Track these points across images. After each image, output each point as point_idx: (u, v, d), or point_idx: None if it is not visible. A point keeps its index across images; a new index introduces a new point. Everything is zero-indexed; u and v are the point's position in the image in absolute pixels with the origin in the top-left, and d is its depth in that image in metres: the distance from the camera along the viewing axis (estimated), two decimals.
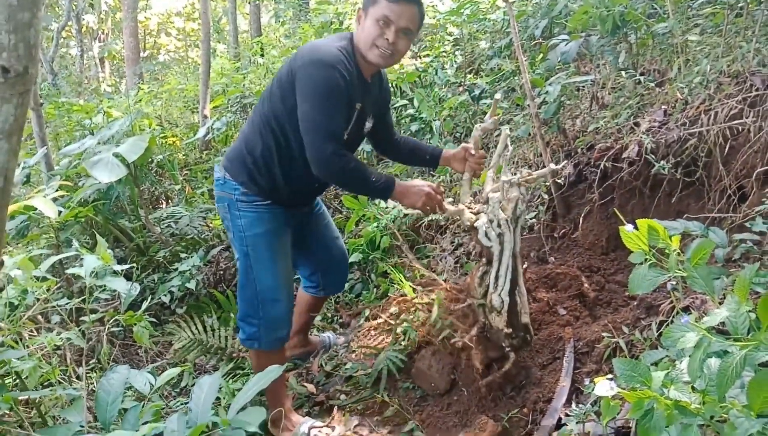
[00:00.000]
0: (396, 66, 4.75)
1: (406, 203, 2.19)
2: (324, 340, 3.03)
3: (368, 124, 2.34)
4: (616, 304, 2.63)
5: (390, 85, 2.59)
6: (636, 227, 1.68)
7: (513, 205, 2.17)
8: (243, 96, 5.32)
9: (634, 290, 1.65)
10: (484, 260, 2.28)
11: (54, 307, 2.41)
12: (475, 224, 2.21)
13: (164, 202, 4.77)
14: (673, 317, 2.13)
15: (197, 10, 17.12)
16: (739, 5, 2.95)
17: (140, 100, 7.02)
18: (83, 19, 15.10)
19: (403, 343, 2.65)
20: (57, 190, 3.16)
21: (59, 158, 4.19)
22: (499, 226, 2.17)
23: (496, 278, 2.22)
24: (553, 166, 2.35)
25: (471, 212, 2.28)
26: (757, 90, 2.41)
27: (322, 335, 3.09)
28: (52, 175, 3.82)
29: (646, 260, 1.65)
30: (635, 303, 2.49)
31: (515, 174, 2.23)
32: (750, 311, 1.25)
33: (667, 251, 1.64)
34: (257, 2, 8.89)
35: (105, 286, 2.26)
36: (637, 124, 2.83)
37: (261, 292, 2.25)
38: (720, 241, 2.07)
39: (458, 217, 2.31)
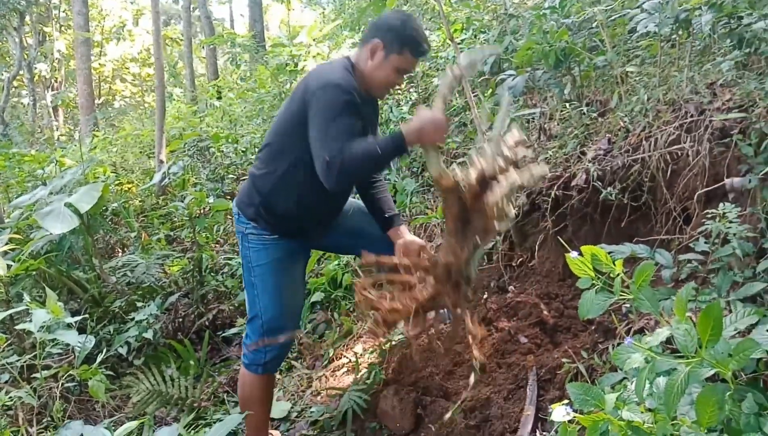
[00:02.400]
0: None
1: (428, 142, 2.02)
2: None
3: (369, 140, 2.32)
4: (575, 329, 2.67)
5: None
6: (581, 254, 1.73)
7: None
8: (200, 139, 5.31)
9: (584, 315, 1.69)
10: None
11: (3, 365, 2.32)
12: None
13: (120, 251, 4.67)
14: (630, 338, 2.18)
15: (153, 55, 17.11)
16: (672, 36, 3.11)
17: (95, 148, 6.92)
18: (35, 68, 14.92)
19: (367, 382, 2.64)
20: (6, 244, 3.08)
21: (10, 211, 4.08)
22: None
23: None
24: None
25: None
26: (691, 116, 2.53)
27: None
28: (2, 227, 3.72)
29: (593, 285, 1.70)
30: (593, 328, 2.54)
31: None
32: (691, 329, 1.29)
33: (611, 274, 1.69)
34: (213, 46, 8.95)
35: (56, 340, 2.19)
36: (583, 153, 2.93)
37: (267, 322, 2.24)
38: (666, 262, 2.14)
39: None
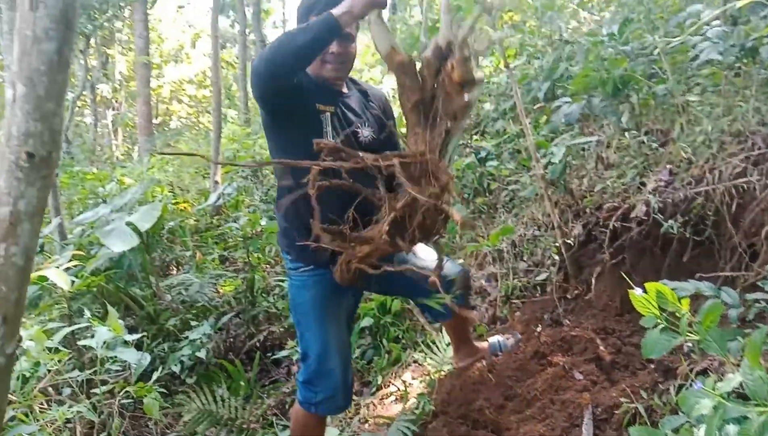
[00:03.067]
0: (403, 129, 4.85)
1: (357, 12, 1.80)
2: (494, 344, 2.87)
3: (365, 133, 2.19)
4: (633, 367, 2.58)
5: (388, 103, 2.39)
6: (645, 291, 1.67)
7: None
8: (254, 161, 5.43)
9: (647, 355, 1.64)
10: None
11: (65, 379, 2.40)
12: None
13: (175, 269, 4.79)
14: (692, 380, 2.09)
15: (209, 78, 17.70)
16: (736, 65, 3.02)
17: (152, 167, 7.17)
18: (98, 89, 15.62)
19: (416, 412, 2.60)
20: (70, 260, 3.20)
21: (72, 227, 4.25)
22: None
23: None
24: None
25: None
26: (759, 149, 2.44)
27: (491, 339, 2.91)
28: (66, 244, 3.87)
29: (657, 324, 1.64)
30: (653, 366, 2.44)
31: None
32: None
33: (678, 313, 1.63)
34: None
35: (116, 357, 2.25)
36: (643, 184, 2.85)
37: (314, 361, 2.21)
38: (732, 301, 2.04)
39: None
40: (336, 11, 1.78)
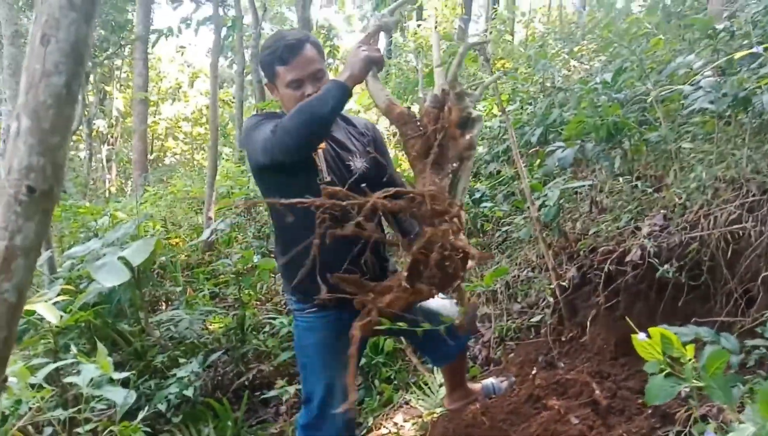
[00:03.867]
0: (399, 170, 4.88)
1: (361, 73, 1.87)
2: (487, 387, 2.80)
3: (358, 164, 2.16)
4: (629, 412, 2.54)
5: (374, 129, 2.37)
6: (648, 336, 1.66)
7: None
8: (248, 198, 5.43)
9: (651, 401, 1.62)
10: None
11: (47, 417, 2.33)
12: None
13: (164, 304, 4.73)
14: (690, 426, 2.06)
15: (205, 116, 17.87)
16: (727, 114, 3.08)
17: (145, 202, 7.15)
18: (94, 124, 15.70)
19: None
20: (59, 295, 3.15)
21: (62, 261, 4.20)
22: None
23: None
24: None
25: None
26: (753, 195, 2.47)
27: (485, 381, 2.84)
28: (55, 278, 3.82)
29: (661, 369, 1.62)
30: (649, 412, 2.41)
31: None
32: None
33: (681, 359, 1.61)
34: (263, 109, 9.29)
35: (101, 395, 2.20)
36: (638, 228, 2.87)
37: (318, 406, 2.15)
38: (732, 347, 2.03)
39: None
40: (342, 78, 1.85)
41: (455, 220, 1.69)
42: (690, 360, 1.53)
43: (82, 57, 1.00)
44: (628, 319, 2.02)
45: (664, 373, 1.61)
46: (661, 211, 2.93)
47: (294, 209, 1.92)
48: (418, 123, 1.80)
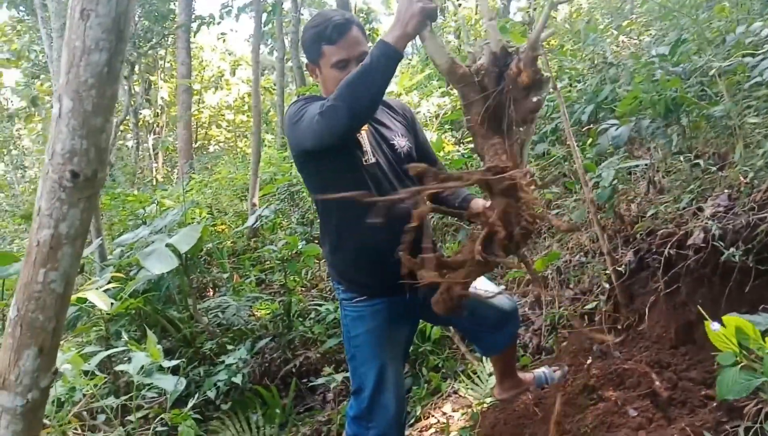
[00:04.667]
0: (441, 153, 4.78)
1: (414, 27, 1.65)
2: (539, 377, 2.75)
3: (401, 142, 2.12)
4: (692, 404, 2.40)
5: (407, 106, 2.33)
6: (722, 324, 1.55)
7: None
8: (291, 184, 5.42)
9: (723, 396, 1.51)
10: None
11: (100, 405, 2.36)
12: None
13: (212, 291, 4.78)
14: (761, 421, 1.92)
15: (247, 103, 18.03)
16: None
17: (191, 190, 7.24)
18: (140, 114, 16.04)
19: None
20: (109, 282, 3.20)
21: (113, 248, 4.28)
22: None
23: None
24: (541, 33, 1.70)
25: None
26: None
27: (537, 371, 2.78)
28: (105, 265, 3.89)
29: (736, 362, 1.51)
30: (714, 404, 2.28)
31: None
32: None
33: (759, 351, 1.49)
34: (304, 95, 9.30)
35: (152, 383, 2.21)
36: (700, 209, 2.71)
37: (369, 396, 2.10)
38: None
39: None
40: (391, 38, 1.66)
41: (528, 189, 1.57)
42: None
43: (123, 33, 0.95)
44: (698, 307, 1.90)
45: (739, 366, 1.50)
46: (725, 190, 2.75)
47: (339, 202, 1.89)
48: (480, 82, 1.64)
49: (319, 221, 2.21)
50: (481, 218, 1.64)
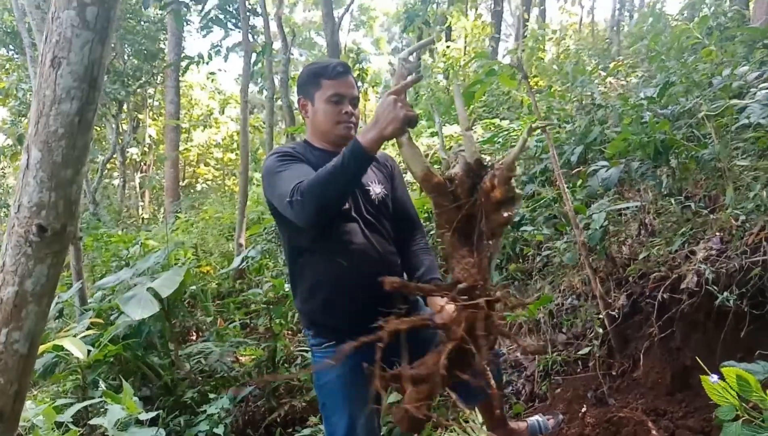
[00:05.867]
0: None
1: (390, 132, 1.68)
2: (533, 425, 2.63)
3: (377, 189, 2.12)
4: None
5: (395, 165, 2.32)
6: (721, 377, 1.49)
7: None
8: None
9: None
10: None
11: None
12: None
13: (195, 335, 4.65)
14: None
15: (236, 142, 18.07)
16: None
17: (177, 229, 7.14)
18: (128, 152, 15.99)
19: None
20: (88, 328, 3.08)
21: (93, 291, 4.17)
22: None
23: None
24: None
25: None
26: None
27: (530, 419, 2.67)
28: (86, 309, 3.77)
29: (737, 416, 1.44)
30: None
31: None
32: None
33: (761, 404, 1.43)
34: (293, 134, 9.29)
35: None
36: (692, 253, 2.68)
37: None
38: None
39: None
40: (367, 141, 1.69)
41: (495, 308, 1.58)
42: None
43: (96, 81, 0.90)
44: (694, 355, 1.84)
45: (740, 420, 1.43)
46: (717, 233, 2.73)
47: (309, 247, 1.98)
48: (453, 192, 1.66)
49: (288, 263, 2.15)
50: (447, 331, 1.60)
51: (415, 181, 1.86)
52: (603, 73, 5.48)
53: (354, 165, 1.71)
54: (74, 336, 2.75)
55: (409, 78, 1.81)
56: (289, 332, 4.40)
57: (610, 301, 2.90)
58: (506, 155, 1.64)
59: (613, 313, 2.85)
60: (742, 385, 1.41)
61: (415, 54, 2.03)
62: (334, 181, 1.73)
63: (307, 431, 3.16)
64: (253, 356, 3.88)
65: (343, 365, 2.03)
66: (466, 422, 2.89)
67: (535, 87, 6.15)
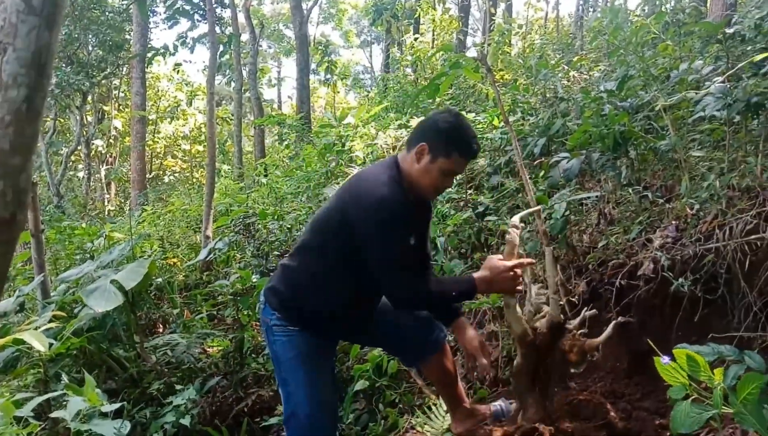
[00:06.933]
0: None
1: (500, 292, 2.19)
2: (496, 410, 2.66)
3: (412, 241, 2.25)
4: (647, 434, 2.42)
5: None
6: (673, 358, 1.55)
7: None
8: (246, 215, 5.32)
9: (677, 430, 1.50)
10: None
11: None
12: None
13: (162, 327, 4.61)
14: None
15: (203, 133, 17.83)
16: (735, 121, 2.98)
17: (143, 221, 7.04)
18: (93, 144, 15.66)
19: None
20: (50, 321, 3.04)
21: (56, 284, 4.09)
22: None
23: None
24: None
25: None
26: None
27: (494, 404, 2.71)
28: (48, 302, 3.70)
29: (687, 395, 1.50)
30: (668, 434, 2.29)
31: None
32: None
33: (709, 383, 1.49)
34: (262, 126, 9.23)
35: (91, 430, 2.08)
36: (649, 241, 2.76)
37: (305, 418, 2.11)
38: (758, 366, 1.92)
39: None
40: (481, 286, 2.06)
41: None
42: (719, 385, 1.42)
43: (45, 68, 0.90)
44: (633, 336, 1.91)
45: (690, 399, 1.49)
46: (673, 222, 2.82)
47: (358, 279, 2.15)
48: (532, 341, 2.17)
49: (321, 261, 2.17)
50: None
51: None
52: (566, 67, 5.58)
53: (466, 296, 2.18)
54: (36, 329, 2.71)
55: (525, 260, 2.14)
56: (257, 323, 4.39)
57: (570, 288, 2.98)
58: (593, 340, 2.24)
59: (574, 299, 2.92)
60: (692, 366, 1.47)
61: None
62: (451, 298, 2.19)
63: (274, 420, 3.18)
64: (220, 347, 3.87)
65: (305, 344, 2.16)
66: (430, 408, 2.95)
67: (501, 80, 6.22)
